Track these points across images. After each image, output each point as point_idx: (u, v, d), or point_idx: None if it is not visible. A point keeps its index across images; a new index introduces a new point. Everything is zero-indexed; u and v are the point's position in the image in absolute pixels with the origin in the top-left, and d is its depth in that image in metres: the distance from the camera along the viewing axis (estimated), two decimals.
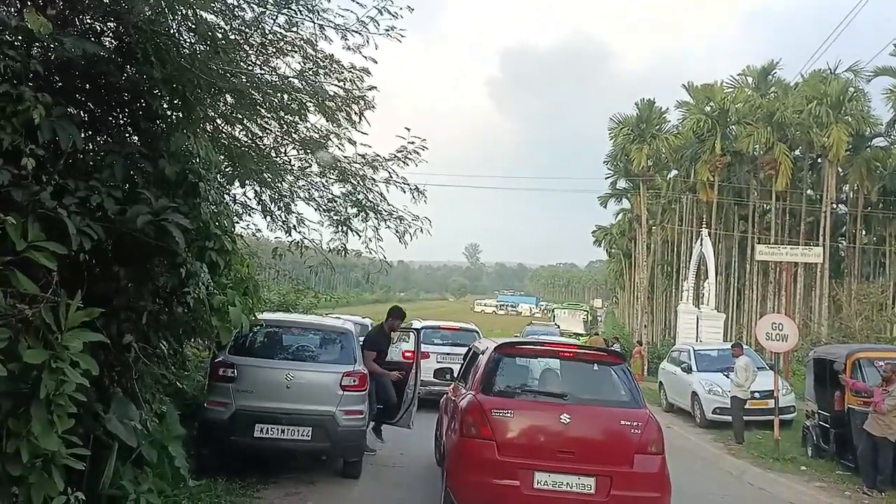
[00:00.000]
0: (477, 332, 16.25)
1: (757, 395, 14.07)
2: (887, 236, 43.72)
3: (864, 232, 44.85)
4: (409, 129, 8.65)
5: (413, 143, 8.68)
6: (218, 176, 6.29)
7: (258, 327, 8.16)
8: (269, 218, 9.20)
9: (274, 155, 8.36)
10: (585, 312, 55.56)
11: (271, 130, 7.87)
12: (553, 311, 58.48)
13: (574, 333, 39.57)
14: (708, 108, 41.30)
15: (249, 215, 9.39)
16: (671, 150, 42.60)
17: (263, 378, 7.64)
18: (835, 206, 41.80)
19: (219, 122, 6.86)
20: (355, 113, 6.44)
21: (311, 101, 5.89)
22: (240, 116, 6.33)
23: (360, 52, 6.16)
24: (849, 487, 10.12)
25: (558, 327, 40.33)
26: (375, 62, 6.33)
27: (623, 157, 44.83)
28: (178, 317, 4.75)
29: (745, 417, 13.64)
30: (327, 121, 6.43)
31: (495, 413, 6.06)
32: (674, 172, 48.08)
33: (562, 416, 6.00)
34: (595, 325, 58.82)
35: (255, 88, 5.06)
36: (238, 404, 7.46)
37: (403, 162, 8.81)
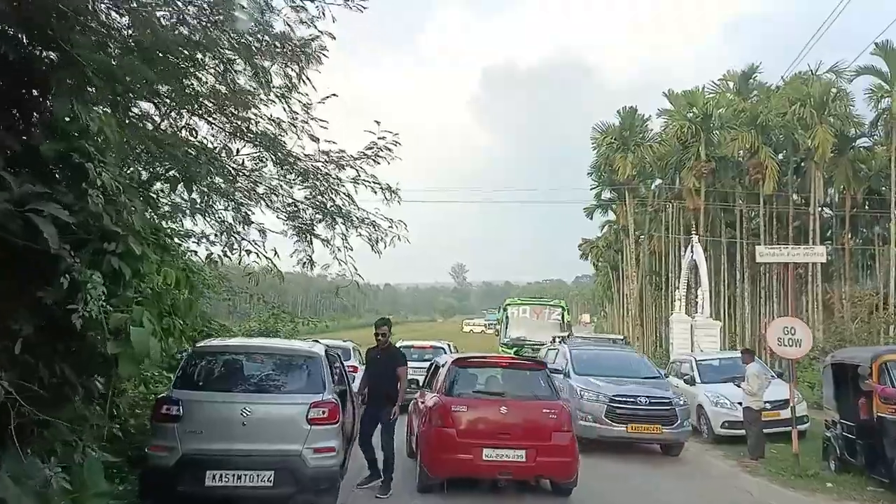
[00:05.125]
0: (443, 348, 18.63)
1: (768, 405, 13.03)
2: (875, 237, 43.27)
3: (849, 235, 44.37)
4: (378, 123, 7.69)
5: (384, 138, 7.69)
6: (141, 171, 5.20)
7: (211, 357, 7.05)
8: (225, 235, 8.12)
9: (225, 156, 7.32)
10: (561, 310, 30.40)
11: (214, 122, 6.84)
12: (505, 309, 31.38)
13: (542, 345, 24.74)
14: (690, 115, 40.85)
15: (209, 242, 8.34)
16: (655, 157, 42.02)
17: (215, 415, 6.52)
18: (820, 209, 41.33)
19: (139, 108, 5.81)
20: (295, 72, 5.34)
21: (232, 52, 4.77)
22: (151, 94, 5.26)
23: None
24: None
25: (615, 343, 23.79)
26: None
27: (607, 166, 44.22)
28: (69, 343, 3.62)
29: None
30: (257, 81, 5.33)
31: (454, 409, 8.23)
32: (657, 182, 47.55)
33: (501, 409, 8.29)
34: (570, 331, 31.98)
35: (157, 40, 3.95)
36: (185, 448, 6.33)
37: (374, 160, 7.81)
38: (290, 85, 5.62)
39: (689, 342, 27.90)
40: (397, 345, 15.61)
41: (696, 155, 39.62)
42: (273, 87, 5.53)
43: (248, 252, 7.40)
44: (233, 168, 7.40)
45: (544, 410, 8.37)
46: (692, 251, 29.48)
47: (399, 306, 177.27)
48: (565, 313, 30.49)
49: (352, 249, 8.06)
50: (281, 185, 7.66)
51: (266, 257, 7.34)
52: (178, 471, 6.25)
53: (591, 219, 53.79)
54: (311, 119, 7.03)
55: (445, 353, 16.74)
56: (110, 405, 5.92)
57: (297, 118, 6.88)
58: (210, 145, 7.16)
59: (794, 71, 33.55)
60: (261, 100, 6.42)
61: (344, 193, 7.62)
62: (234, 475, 6.33)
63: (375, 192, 7.71)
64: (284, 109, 6.22)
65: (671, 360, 20.59)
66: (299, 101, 6.03)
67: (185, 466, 6.27)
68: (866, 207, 41.45)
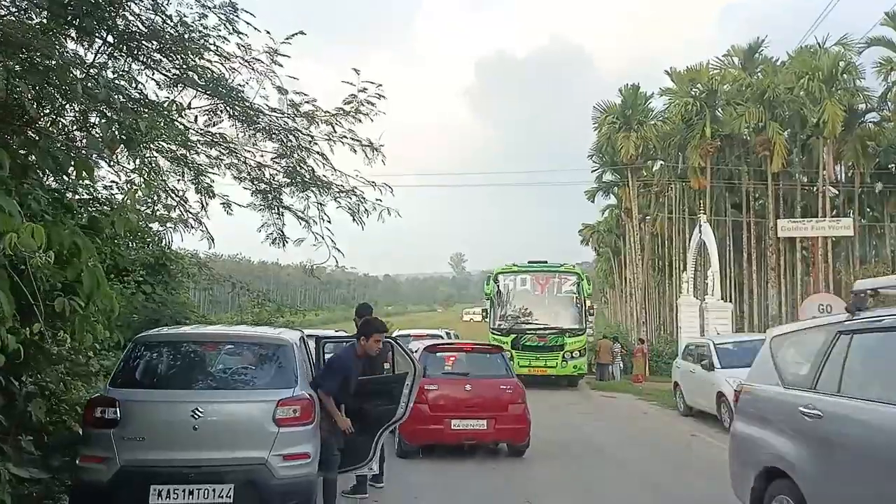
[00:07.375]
0: (441, 335, 18.47)
1: None
2: (885, 216, 42.09)
3: (857, 213, 43.15)
4: (358, 72, 6.52)
5: (365, 90, 6.52)
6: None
7: (157, 348, 5.94)
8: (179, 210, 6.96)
9: (175, 111, 6.15)
10: (576, 279, 22.58)
11: (157, 68, 5.66)
12: (496, 280, 22.69)
13: (552, 331, 21.29)
14: (695, 91, 39.52)
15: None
16: (659, 137, 40.74)
17: (160, 417, 5.40)
18: (826, 187, 40.10)
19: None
20: None
21: None
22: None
23: None
24: None
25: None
26: None
27: (609, 147, 42.93)
28: None
29: None
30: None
31: (427, 387, 9.23)
32: (660, 163, 46.29)
33: (466, 386, 9.80)
34: (593, 309, 25.93)
35: None
36: (124, 458, 5.21)
37: (354, 117, 6.64)
38: (232, 4, 4.48)
39: (698, 325, 26.83)
40: (395, 334, 14.58)
41: (701, 133, 38.31)
42: (214, 7, 4.40)
43: (169, 208, 6.20)
44: (183, 126, 6.23)
45: (501, 387, 9.90)
46: (700, 232, 28.31)
47: (399, 297, 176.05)
48: (584, 283, 22.12)
49: (329, 221, 6.92)
50: (244, 147, 6.50)
51: (183, 207, 6.14)
52: (116, 486, 5.14)
53: (593, 201, 52.55)
54: (274, 61, 5.87)
55: (443, 338, 17.36)
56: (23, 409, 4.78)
57: (255, 61, 5.73)
58: (153, 96, 6.00)
59: (801, 46, 32.42)
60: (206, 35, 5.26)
61: (317, 153, 6.46)
62: (184, 490, 5.21)
63: (355, 151, 6.56)
64: (239, 46, 5.09)
65: (686, 345, 19.45)
66: (250, 29, 4.88)
67: (125, 481, 5.16)
68: (878, 184, 40.20)
